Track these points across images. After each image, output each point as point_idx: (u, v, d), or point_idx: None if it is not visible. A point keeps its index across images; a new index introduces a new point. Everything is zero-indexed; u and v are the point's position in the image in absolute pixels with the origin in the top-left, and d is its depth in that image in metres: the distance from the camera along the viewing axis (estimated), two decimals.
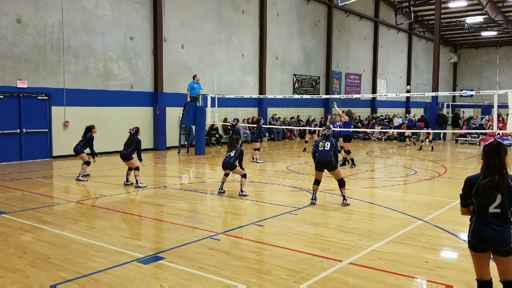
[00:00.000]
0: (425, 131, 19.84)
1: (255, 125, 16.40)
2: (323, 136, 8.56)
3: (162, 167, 14.24)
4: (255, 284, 4.67)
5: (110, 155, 15.19)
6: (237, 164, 9.25)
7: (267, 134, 22.89)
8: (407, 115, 26.45)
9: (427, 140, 19.72)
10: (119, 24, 16.83)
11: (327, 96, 19.99)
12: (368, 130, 25.22)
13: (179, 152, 17.57)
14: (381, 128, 25.55)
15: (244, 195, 9.10)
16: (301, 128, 23.46)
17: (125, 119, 16.32)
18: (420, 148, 19.46)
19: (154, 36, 17.94)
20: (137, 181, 10.10)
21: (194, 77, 17.30)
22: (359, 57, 31.67)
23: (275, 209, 8.18)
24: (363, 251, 5.71)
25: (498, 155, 3.63)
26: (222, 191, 9.43)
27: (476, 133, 22.68)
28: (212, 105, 17.34)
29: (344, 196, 8.37)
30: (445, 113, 28.52)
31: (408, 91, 17.70)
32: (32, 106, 14.67)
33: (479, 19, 33.80)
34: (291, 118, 25.27)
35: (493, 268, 3.78)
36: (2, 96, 13.95)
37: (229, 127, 16.36)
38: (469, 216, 3.85)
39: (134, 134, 10.32)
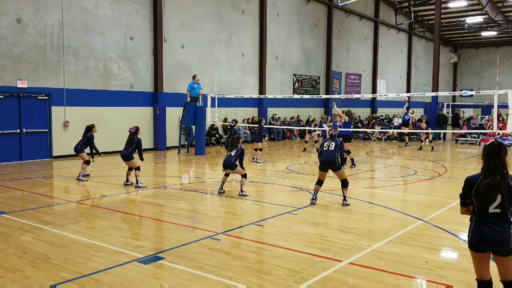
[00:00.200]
0: (424, 131, 19.84)
1: (257, 125, 16.41)
2: (329, 136, 8.59)
3: (162, 167, 14.24)
4: (255, 284, 4.67)
5: (110, 155, 15.19)
6: (238, 164, 9.26)
7: (267, 134, 22.89)
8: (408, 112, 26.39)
9: (427, 140, 19.72)
10: (119, 24, 16.83)
11: (327, 96, 20.00)
12: (368, 130, 25.22)
13: (179, 152, 17.57)
14: (381, 128, 25.55)
15: (244, 195, 9.10)
16: (301, 128, 23.45)
17: (125, 119, 16.31)
18: (420, 148, 19.46)
19: (154, 36, 17.94)
20: (137, 181, 10.10)
21: (194, 77, 17.30)
22: (359, 57, 31.68)
23: (275, 209, 8.18)
24: (363, 251, 5.71)
25: (499, 155, 3.63)
26: (222, 191, 9.43)
27: (476, 133, 22.67)
28: (212, 105, 17.34)
29: (344, 196, 8.38)
30: (445, 113, 28.53)
31: (407, 103, 17.81)
32: (32, 106, 14.67)
33: (479, 19, 33.80)
34: (291, 118, 25.27)
35: (493, 268, 3.78)
36: (2, 96, 13.95)
37: (228, 127, 16.36)
38: (469, 216, 3.86)
39: (134, 133, 10.32)
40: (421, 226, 6.99)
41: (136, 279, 4.79)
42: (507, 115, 12.27)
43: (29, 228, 6.76)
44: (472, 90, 36.91)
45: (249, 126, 21.15)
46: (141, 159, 10.34)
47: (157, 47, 17.95)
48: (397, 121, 24.29)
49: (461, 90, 38.61)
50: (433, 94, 20.27)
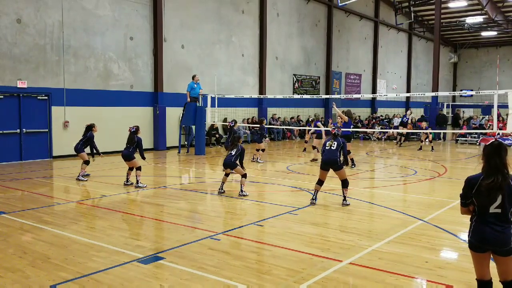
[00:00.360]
0: (424, 131, 19.84)
1: (257, 126, 16.40)
2: (332, 135, 8.58)
3: (162, 167, 14.24)
4: (255, 284, 4.67)
5: (110, 155, 15.19)
6: (238, 163, 9.26)
7: (267, 134, 22.86)
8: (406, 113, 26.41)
9: (427, 140, 19.72)
10: (119, 24, 16.83)
11: (327, 96, 19.99)
12: (368, 130, 25.22)
13: (179, 152, 17.57)
14: (381, 128, 25.54)
15: (244, 195, 9.10)
16: (301, 128, 23.45)
17: (125, 119, 16.30)
18: (420, 148, 19.46)
19: (154, 36, 17.94)
20: (137, 181, 10.10)
21: (193, 77, 17.30)
22: (359, 57, 31.67)
23: (275, 209, 8.18)
24: (363, 251, 5.71)
25: (499, 155, 3.63)
26: (222, 191, 9.43)
27: (476, 133, 22.68)
28: (212, 105, 17.34)
29: (344, 197, 8.38)
30: (445, 113, 28.53)
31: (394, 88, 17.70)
32: (32, 106, 14.67)
33: (479, 19, 33.80)
34: (291, 118, 25.27)
35: (493, 268, 3.78)
36: (2, 96, 13.95)
37: (228, 128, 16.36)
38: (469, 216, 3.86)
39: (134, 132, 10.32)
40: (421, 226, 6.99)
41: (136, 279, 4.79)
42: (507, 115, 12.26)
43: (29, 228, 6.76)
44: (472, 90, 36.90)
45: (249, 126, 21.14)
46: (143, 158, 10.37)
47: (157, 47, 17.95)
48: (397, 121, 24.29)
49: (461, 90, 38.61)
50: (433, 94, 20.26)
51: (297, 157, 16.78)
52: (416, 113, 26.77)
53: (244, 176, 9.25)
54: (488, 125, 22.29)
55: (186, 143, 18.79)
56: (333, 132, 8.61)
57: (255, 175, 12.09)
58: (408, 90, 37.14)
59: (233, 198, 9.05)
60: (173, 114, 18.71)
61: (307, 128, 20.03)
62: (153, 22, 17.87)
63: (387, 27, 34.05)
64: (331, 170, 8.43)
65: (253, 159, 14.83)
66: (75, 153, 11.59)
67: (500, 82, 31.06)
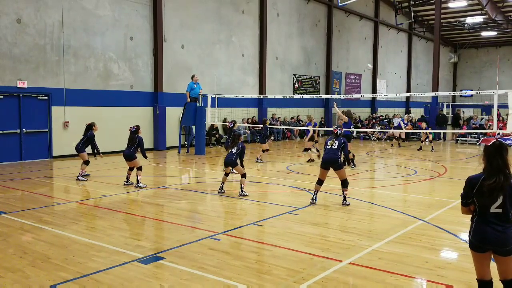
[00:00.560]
0: (424, 131, 19.83)
1: (259, 126, 16.39)
2: (334, 135, 8.58)
3: (162, 167, 14.24)
4: (255, 284, 4.67)
5: (110, 155, 15.19)
6: (238, 162, 9.26)
7: (268, 134, 22.82)
8: (406, 116, 26.46)
9: (427, 140, 19.72)
10: (119, 24, 16.83)
11: (327, 96, 19.99)
12: (368, 130, 25.21)
13: (179, 152, 17.57)
14: (381, 128, 25.54)
15: (244, 195, 9.10)
16: (301, 128, 23.43)
17: (125, 119, 16.29)
18: (420, 148, 19.45)
19: (154, 36, 17.93)
20: (138, 181, 10.09)
21: (192, 77, 17.29)
22: (359, 57, 31.66)
23: (275, 209, 8.18)
24: (363, 251, 5.71)
25: (501, 155, 3.63)
26: (222, 191, 9.43)
27: (476, 133, 22.67)
28: (212, 105, 17.33)
29: (344, 197, 8.38)
30: (445, 113, 28.53)
31: (369, 68, 17.62)
32: (32, 106, 14.67)
33: (479, 19, 33.80)
34: (291, 118, 25.26)
35: (493, 268, 3.78)
36: (2, 96, 13.94)
37: (228, 128, 16.35)
38: (470, 216, 3.85)
39: (134, 132, 10.32)
40: (421, 226, 6.99)
41: (136, 279, 4.78)
42: (507, 115, 12.26)
43: (29, 228, 6.76)
44: (472, 90, 36.91)
45: (248, 126, 21.13)
46: (144, 156, 10.40)
47: (157, 47, 17.94)
48: (397, 121, 24.30)
49: (461, 90, 38.60)
50: (433, 94, 20.26)
51: (297, 157, 16.78)
52: (416, 113, 26.77)
53: (243, 175, 9.24)
54: (488, 125, 22.29)
55: (186, 143, 18.78)
56: (335, 132, 8.62)
57: (255, 175, 12.09)
58: (408, 90, 37.14)
59: (233, 198, 9.05)
60: (173, 114, 18.70)
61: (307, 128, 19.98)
62: (153, 22, 17.87)
63: (387, 27, 34.05)
64: (331, 170, 8.43)
65: (257, 159, 14.87)
66: (75, 153, 11.59)
67: (500, 82, 31.07)
